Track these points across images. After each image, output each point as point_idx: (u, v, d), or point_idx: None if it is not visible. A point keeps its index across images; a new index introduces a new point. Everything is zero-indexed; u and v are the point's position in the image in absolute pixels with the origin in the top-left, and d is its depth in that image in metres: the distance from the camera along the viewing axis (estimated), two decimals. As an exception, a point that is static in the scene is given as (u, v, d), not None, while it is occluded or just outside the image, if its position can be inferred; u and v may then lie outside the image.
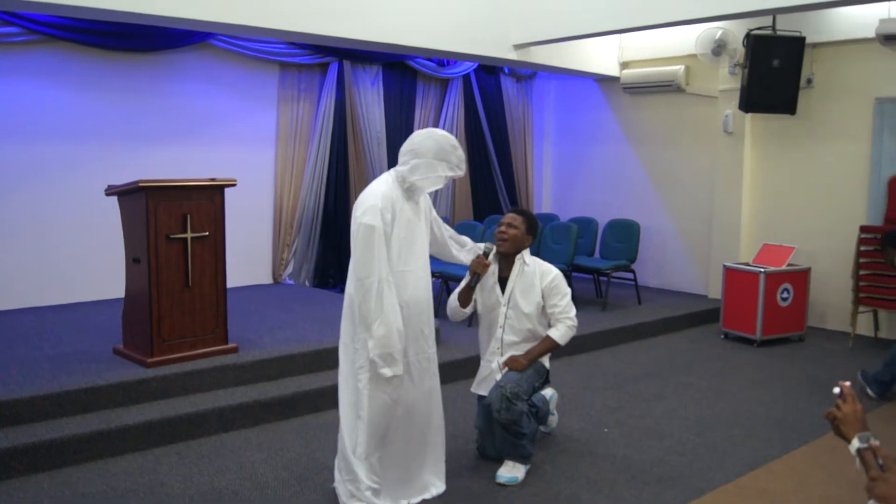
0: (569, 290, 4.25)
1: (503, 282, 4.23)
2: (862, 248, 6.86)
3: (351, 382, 3.58)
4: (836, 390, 2.27)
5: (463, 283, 4.19)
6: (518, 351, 4.19)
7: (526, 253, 4.26)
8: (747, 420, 5.06)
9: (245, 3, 5.98)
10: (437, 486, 3.84)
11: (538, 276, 4.19)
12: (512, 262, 4.23)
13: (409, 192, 3.62)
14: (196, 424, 4.60)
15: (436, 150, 3.57)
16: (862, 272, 6.88)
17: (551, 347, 4.18)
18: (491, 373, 4.24)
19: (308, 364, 5.34)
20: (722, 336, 7.35)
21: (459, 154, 3.64)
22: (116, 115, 7.14)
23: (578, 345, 6.70)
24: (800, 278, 7.20)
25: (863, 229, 6.98)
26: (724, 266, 7.37)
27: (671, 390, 5.72)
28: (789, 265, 7.14)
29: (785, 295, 7.07)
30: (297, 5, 6.26)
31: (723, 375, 6.11)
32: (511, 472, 4.04)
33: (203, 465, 4.21)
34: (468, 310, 4.22)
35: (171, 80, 7.45)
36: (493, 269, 4.22)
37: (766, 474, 4.18)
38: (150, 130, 7.33)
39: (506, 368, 4.14)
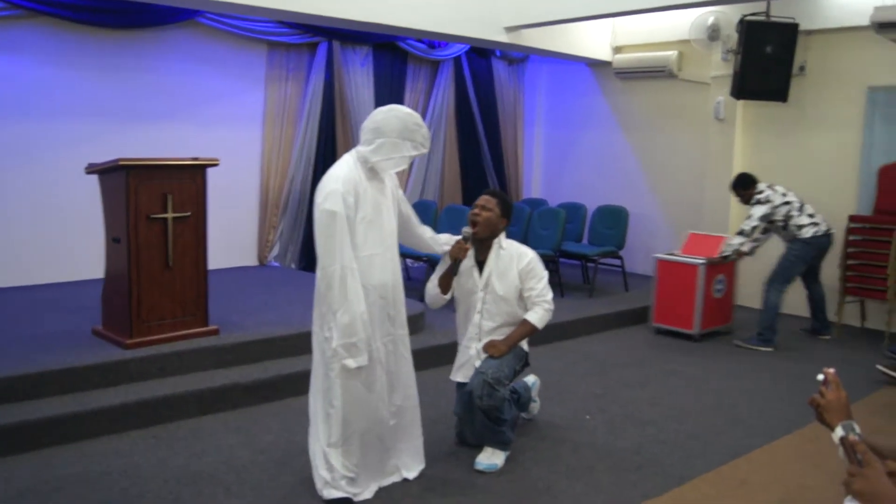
0: (545, 274, 4.17)
1: (480, 266, 4.16)
2: (850, 238, 6.83)
3: (322, 371, 3.52)
4: (821, 377, 2.22)
5: (442, 269, 4.12)
6: (497, 336, 4.13)
7: (502, 237, 4.17)
8: (730, 409, 5.04)
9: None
10: (415, 468, 3.81)
11: (515, 259, 4.11)
12: (489, 247, 4.15)
13: (373, 171, 3.53)
14: (174, 407, 4.55)
15: (400, 129, 3.47)
16: (850, 262, 6.85)
17: (529, 331, 4.11)
18: (469, 359, 4.18)
19: (290, 347, 5.29)
20: (654, 332, 7.04)
21: (424, 132, 3.53)
22: (100, 93, 7.04)
23: (564, 331, 6.69)
24: (730, 269, 7.03)
25: (851, 219, 6.95)
26: (656, 258, 7.04)
27: (656, 378, 5.69)
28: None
29: (719, 286, 6.87)
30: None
31: (707, 364, 6.09)
32: (490, 458, 4.01)
33: (180, 449, 4.17)
34: (448, 296, 4.14)
35: (157, 58, 7.34)
36: (470, 254, 4.14)
37: (747, 464, 4.16)
38: (135, 109, 7.22)
39: (485, 354, 4.09)
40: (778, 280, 6.55)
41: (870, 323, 7.22)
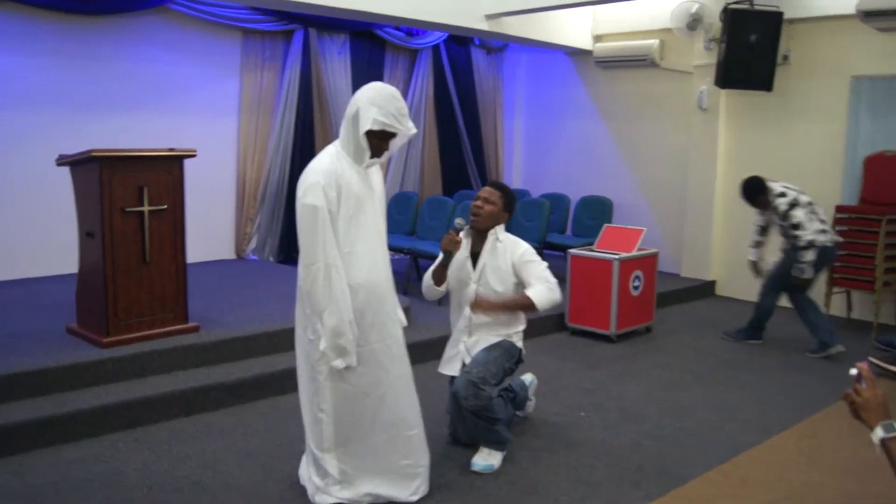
0: (543, 262, 4.01)
1: (475, 257, 4.02)
2: (837, 228, 6.77)
3: (308, 374, 3.35)
4: (854, 372, 2.11)
5: (437, 262, 3.98)
6: (489, 331, 4.00)
7: (500, 229, 4.04)
8: (724, 403, 4.96)
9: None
10: (419, 480, 3.55)
11: (509, 252, 3.97)
12: (485, 238, 4.01)
13: (359, 155, 3.28)
14: (155, 408, 4.37)
15: (371, 97, 3.22)
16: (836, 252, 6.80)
17: (526, 304, 3.87)
18: (458, 353, 4.04)
19: (274, 344, 5.12)
20: (568, 333, 6.63)
21: (399, 106, 3.25)
22: (69, 82, 6.77)
23: (551, 324, 6.57)
24: (649, 264, 6.63)
25: (838, 209, 6.91)
26: (570, 253, 6.56)
27: (645, 370, 5.60)
28: (639, 250, 6.47)
29: (636, 283, 6.47)
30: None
31: (697, 356, 6.02)
32: (486, 459, 3.87)
33: (162, 453, 3.99)
34: (443, 288, 4.00)
35: (127, 45, 7.08)
36: (465, 244, 4.00)
37: (748, 461, 4.07)
38: (106, 98, 6.97)
39: (476, 347, 3.95)
40: (778, 287, 6.22)
41: (856, 314, 7.20)
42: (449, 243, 3.85)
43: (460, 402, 3.81)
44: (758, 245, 6.35)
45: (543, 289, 3.88)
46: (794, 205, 5.88)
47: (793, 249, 5.96)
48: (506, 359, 4.00)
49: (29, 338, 4.79)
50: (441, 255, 3.94)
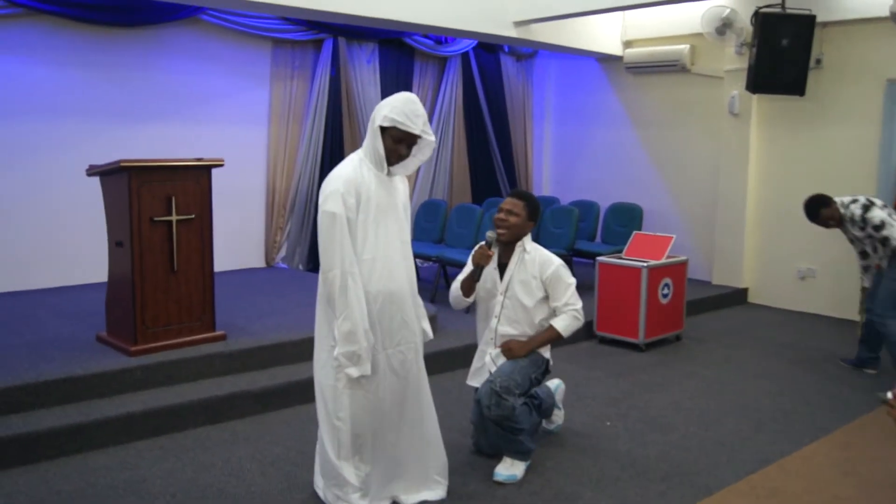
0: (573, 281, 4.02)
1: (502, 268, 4.01)
2: (872, 234, 6.65)
3: (327, 382, 3.35)
4: (889, 396, 2.06)
5: (466, 272, 3.97)
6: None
7: (527, 239, 4.02)
8: (755, 412, 4.88)
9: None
10: (439, 488, 3.60)
11: (538, 266, 3.95)
12: (512, 249, 4.00)
13: (378, 162, 3.29)
14: (180, 416, 4.40)
15: (388, 101, 3.28)
16: (871, 259, 6.66)
17: (553, 338, 3.97)
18: (484, 365, 4.02)
19: (299, 352, 5.13)
20: (596, 341, 6.56)
21: (413, 108, 3.24)
22: (102, 93, 6.89)
23: (579, 333, 6.48)
24: (678, 271, 6.53)
25: (873, 215, 6.77)
26: (598, 261, 6.50)
27: (674, 380, 5.53)
28: (668, 257, 6.38)
29: (665, 291, 6.39)
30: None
31: (728, 364, 5.93)
32: (509, 469, 3.85)
33: (187, 460, 4.02)
34: (471, 299, 3.99)
35: (159, 56, 7.19)
36: (496, 250, 4.00)
37: (777, 472, 3.99)
38: (138, 109, 7.08)
39: (500, 360, 3.94)
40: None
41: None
42: (481, 257, 3.86)
43: (483, 411, 3.80)
44: (866, 270, 5.82)
45: (570, 320, 3.97)
46: (868, 206, 5.46)
47: (891, 257, 5.41)
48: (532, 369, 3.97)
49: (59, 346, 4.87)
50: (471, 267, 3.93)
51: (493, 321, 4.01)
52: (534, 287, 3.95)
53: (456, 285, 4.01)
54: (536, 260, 3.97)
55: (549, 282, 3.94)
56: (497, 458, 3.95)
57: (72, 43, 6.69)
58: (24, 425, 3.98)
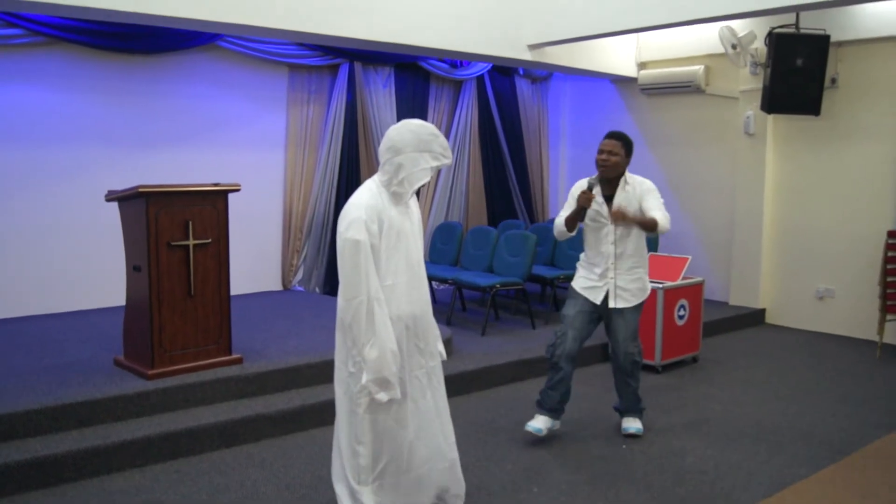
0: (662, 199, 4.57)
1: (609, 200, 4.49)
2: (889, 254, 6.61)
3: (347, 407, 3.37)
4: None
5: (569, 212, 4.48)
6: (627, 266, 4.55)
7: (628, 173, 4.54)
8: (772, 435, 4.83)
9: (252, 2, 5.83)
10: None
11: (637, 191, 4.50)
12: (616, 184, 4.51)
13: (397, 196, 3.36)
14: (197, 439, 4.43)
15: (416, 143, 3.31)
16: (889, 279, 6.61)
17: (652, 223, 4.37)
18: (605, 285, 4.55)
19: (316, 375, 5.16)
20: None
21: (442, 142, 3.35)
22: (121, 119, 6.99)
23: (594, 355, 6.49)
24: (694, 292, 6.50)
25: (890, 234, 6.72)
26: None
27: (691, 402, 5.50)
28: (684, 278, 6.39)
29: (682, 312, 6.36)
30: (306, 4, 6.11)
31: (745, 386, 5.89)
32: (636, 424, 4.75)
33: (203, 483, 4.04)
34: (573, 232, 4.55)
35: (178, 82, 7.30)
36: (597, 191, 4.49)
37: (794, 496, 3.95)
38: (156, 134, 7.18)
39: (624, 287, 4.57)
40: None
41: (911, 341, 6.99)
42: (585, 200, 4.40)
43: (624, 360, 4.62)
44: None
45: (663, 217, 4.44)
46: None
47: None
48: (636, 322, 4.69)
49: (78, 369, 4.92)
50: (575, 208, 4.45)
51: (610, 247, 4.53)
52: (635, 208, 4.46)
53: (560, 221, 4.54)
54: (636, 186, 4.53)
55: (643, 193, 4.50)
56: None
57: (92, 70, 6.81)
58: (44, 448, 4.01)
